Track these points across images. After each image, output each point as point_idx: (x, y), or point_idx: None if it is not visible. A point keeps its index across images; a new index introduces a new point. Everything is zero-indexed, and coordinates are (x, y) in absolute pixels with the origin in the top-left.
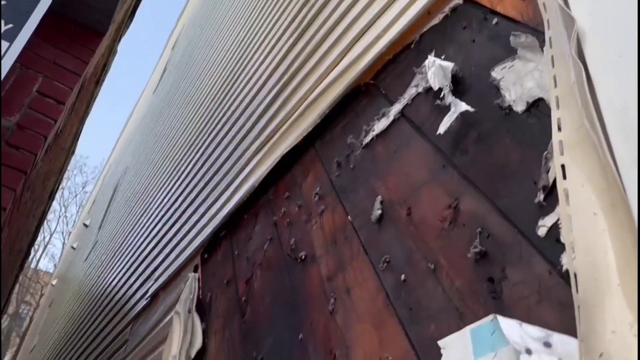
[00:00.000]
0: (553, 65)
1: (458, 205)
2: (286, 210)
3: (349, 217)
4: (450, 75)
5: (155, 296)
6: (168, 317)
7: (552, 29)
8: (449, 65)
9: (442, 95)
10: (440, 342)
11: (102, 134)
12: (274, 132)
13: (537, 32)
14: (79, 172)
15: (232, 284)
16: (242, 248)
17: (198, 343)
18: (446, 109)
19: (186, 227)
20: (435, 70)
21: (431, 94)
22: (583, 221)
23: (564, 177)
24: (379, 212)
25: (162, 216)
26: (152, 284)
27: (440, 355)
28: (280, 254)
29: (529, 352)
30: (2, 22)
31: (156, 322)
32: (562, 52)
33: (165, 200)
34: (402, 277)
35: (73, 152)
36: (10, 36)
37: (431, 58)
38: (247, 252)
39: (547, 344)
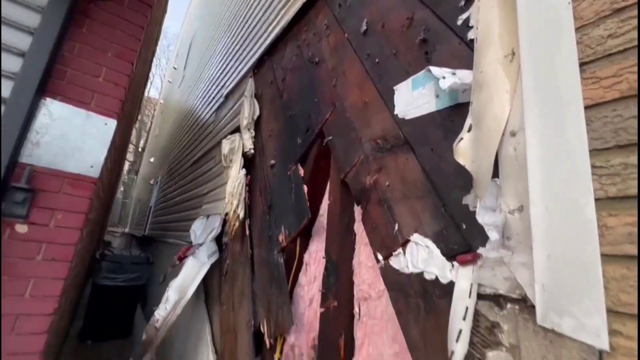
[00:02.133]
0: None
1: (413, 17)
2: (305, 37)
3: (345, 34)
4: None
5: (227, 96)
6: (240, 101)
7: None
8: None
9: None
10: (395, 87)
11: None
12: None
13: None
14: (164, 37)
15: (273, 83)
16: (278, 63)
17: (257, 112)
18: None
19: (243, 55)
20: None
21: None
22: (486, 8)
23: None
24: (365, 27)
25: (227, 50)
26: (225, 90)
27: (394, 94)
28: (302, 62)
29: (444, 78)
30: None
31: (233, 105)
32: None
33: (228, 40)
34: (377, 60)
35: (164, 17)
36: None
37: None
38: (282, 64)
39: (454, 74)
